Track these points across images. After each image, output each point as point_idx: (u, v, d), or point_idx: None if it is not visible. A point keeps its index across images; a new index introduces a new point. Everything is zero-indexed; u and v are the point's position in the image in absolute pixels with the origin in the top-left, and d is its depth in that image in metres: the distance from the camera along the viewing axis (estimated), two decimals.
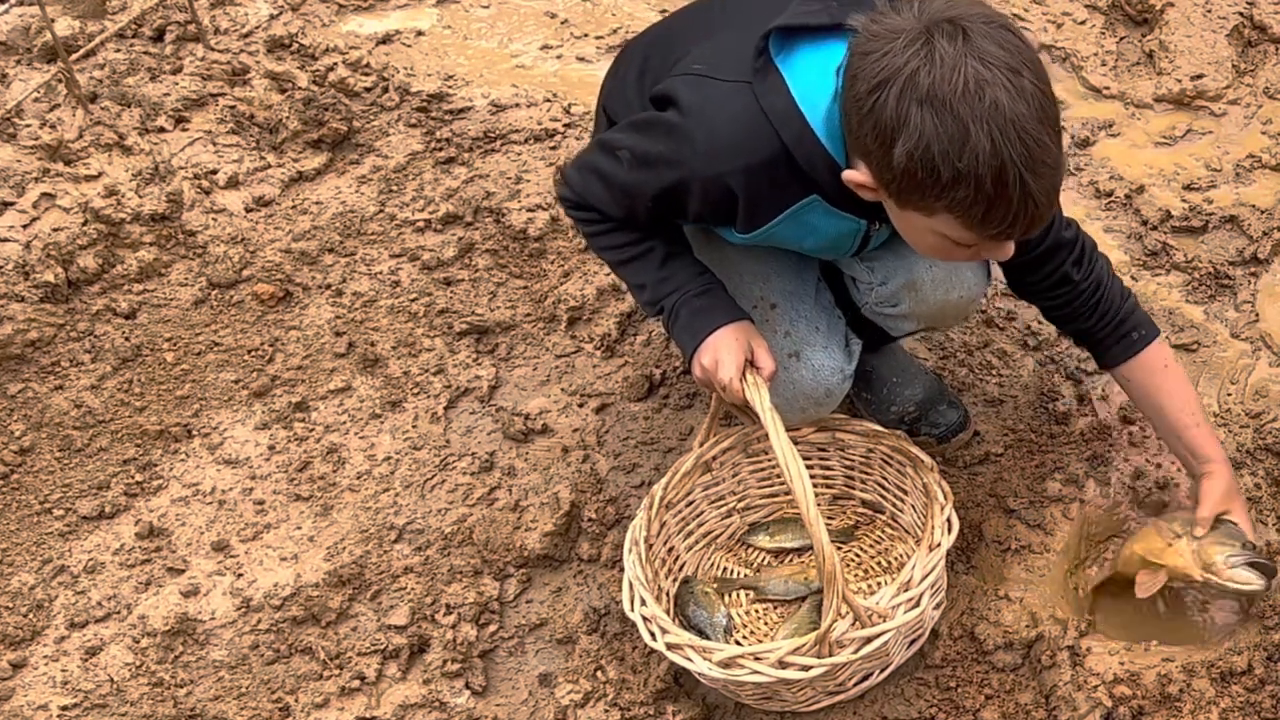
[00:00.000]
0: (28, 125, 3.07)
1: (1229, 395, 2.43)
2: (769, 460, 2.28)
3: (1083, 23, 3.18)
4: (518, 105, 3.14)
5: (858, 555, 2.28)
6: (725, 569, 2.30)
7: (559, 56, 3.31)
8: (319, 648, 2.26)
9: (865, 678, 2.07)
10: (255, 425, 2.59)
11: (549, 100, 3.14)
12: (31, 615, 2.34)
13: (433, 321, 2.73)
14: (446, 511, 2.43)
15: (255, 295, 2.80)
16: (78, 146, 3.03)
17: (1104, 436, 2.39)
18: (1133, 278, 2.64)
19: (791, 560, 2.29)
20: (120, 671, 2.26)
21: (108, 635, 2.31)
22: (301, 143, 3.07)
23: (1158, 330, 2.14)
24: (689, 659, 1.96)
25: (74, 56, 3.16)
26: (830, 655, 1.92)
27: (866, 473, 2.29)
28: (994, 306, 2.60)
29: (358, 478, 2.50)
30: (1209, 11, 3.11)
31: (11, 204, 2.90)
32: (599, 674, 2.17)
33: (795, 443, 1.92)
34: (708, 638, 2.10)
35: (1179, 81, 2.99)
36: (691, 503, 2.26)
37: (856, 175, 1.77)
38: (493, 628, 2.26)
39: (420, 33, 3.39)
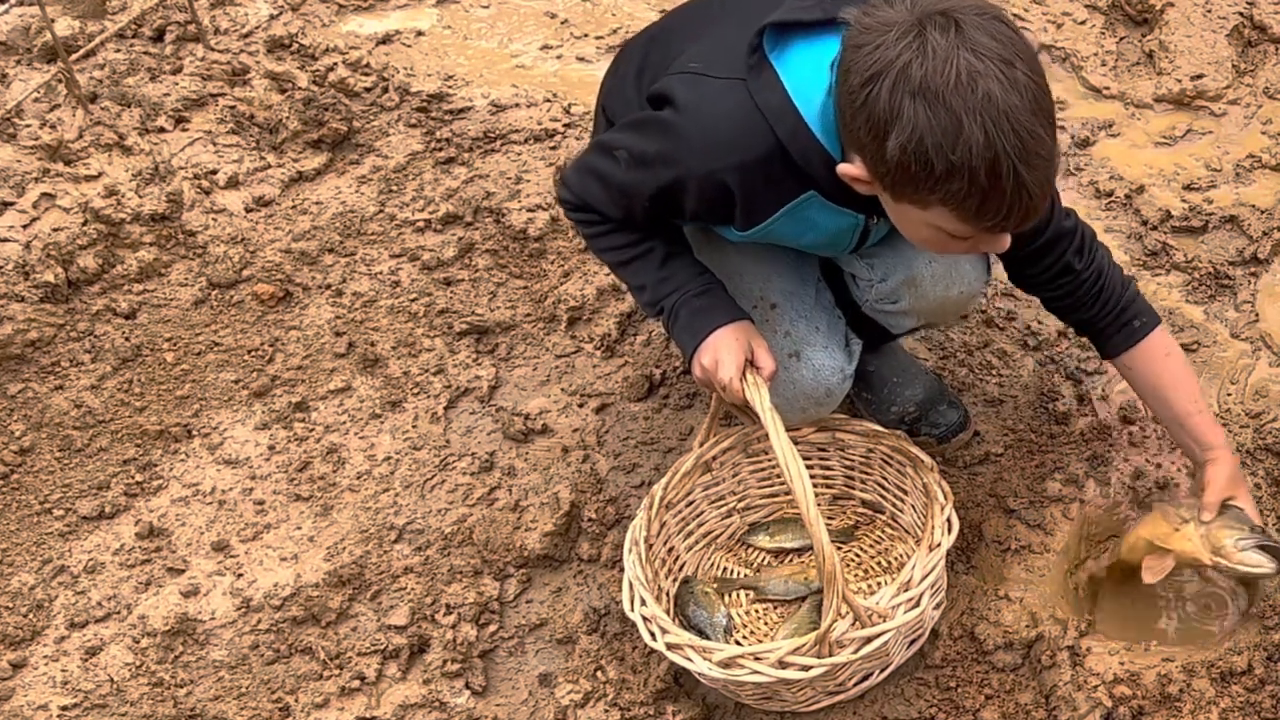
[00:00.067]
0: (28, 125, 3.07)
1: (1229, 395, 2.43)
2: (769, 460, 2.28)
3: (1083, 23, 3.18)
4: (518, 105, 3.14)
5: (858, 555, 2.28)
6: (725, 569, 2.30)
7: (559, 56, 3.31)
8: (319, 648, 2.26)
9: (865, 678, 2.07)
10: (255, 425, 2.59)
11: (549, 100, 3.14)
12: (31, 615, 2.34)
13: (433, 321, 2.73)
14: (446, 511, 2.43)
15: (255, 295, 2.80)
16: (78, 146, 3.03)
17: (1104, 436, 2.39)
18: (1133, 278, 2.64)
19: (791, 560, 2.29)
20: (120, 671, 2.26)
21: (108, 635, 2.31)
22: (301, 143, 3.07)
23: (1159, 318, 2.13)
24: (689, 659, 1.96)
25: (74, 56, 3.16)
26: (830, 655, 1.92)
27: (866, 473, 2.29)
28: (994, 306, 2.60)
29: (358, 478, 2.50)
30: (1209, 11, 3.11)
31: (11, 204, 2.90)
32: (599, 674, 2.17)
33: (795, 443, 1.92)
34: (708, 638, 2.10)
35: (1179, 81, 2.99)
36: (691, 503, 2.26)
37: (851, 169, 1.76)
38: (493, 628, 2.26)
39: (420, 33, 3.39)
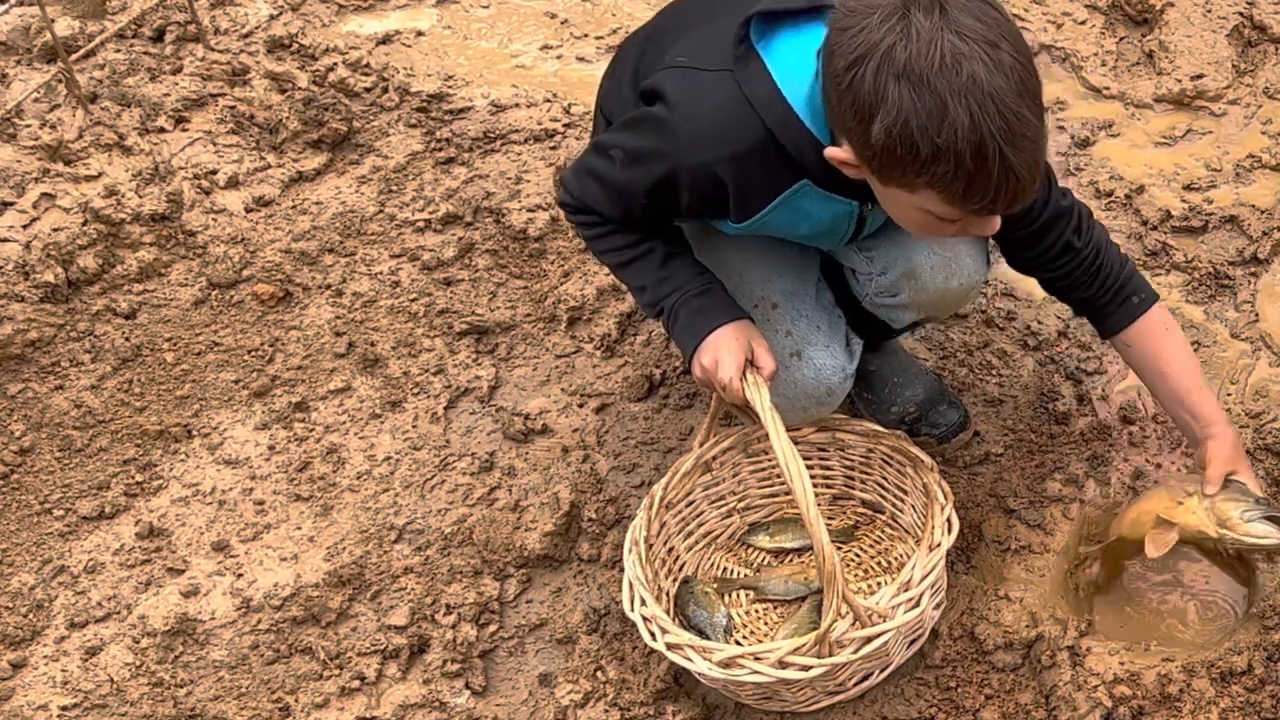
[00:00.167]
0: (28, 125, 3.07)
1: (1229, 395, 2.43)
2: (769, 460, 2.28)
3: (1083, 23, 3.18)
4: (518, 105, 3.14)
5: (858, 555, 2.28)
6: (725, 569, 2.30)
7: (559, 56, 3.31)
8: (319, 648, 2.26)
9: (865, 678, 2.07)
10: (255, 425, 2.59)
11: (549, 100, 3.14)
12: (31, 615, 2.34)
13: (433, 321, 2.73)
14: (446, 511, 2.43)
15: (255, 295, 2.80)
16: (78, 146, 3.03)
17: (1104, 436, 2.39)
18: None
19: (791, 560, 2.29)
20: (120, 671, 2.26)
21: (108, 635, 2.31)
22: (301, 143, 3.07)
23: (1157, 295, 2.12)
24: (689, 659, 1.96)
25: (74, 56, 3.16)
26: (830, 655, 1.92)
27: (866, 473, 2.29)
28: (994, 306, 2.60)
29: (358, 478, 2.50)
30: (1209, 11, 3.11)
31: (11, 204, 2.90)
32: (599, 674, 2.17)
33: (795, 443, 1.92)
34: (708, 638, 2.10)
35: (1179, 81, 2.99)
36: (691, 503, 2.26)
37: (839, 153, 1.76)
38: (493, 628, 2.26)
39: (420, 33, 3.39)
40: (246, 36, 3.33)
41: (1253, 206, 2.73)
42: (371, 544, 2.39)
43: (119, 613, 2.34)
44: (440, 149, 3.06)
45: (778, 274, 2.13)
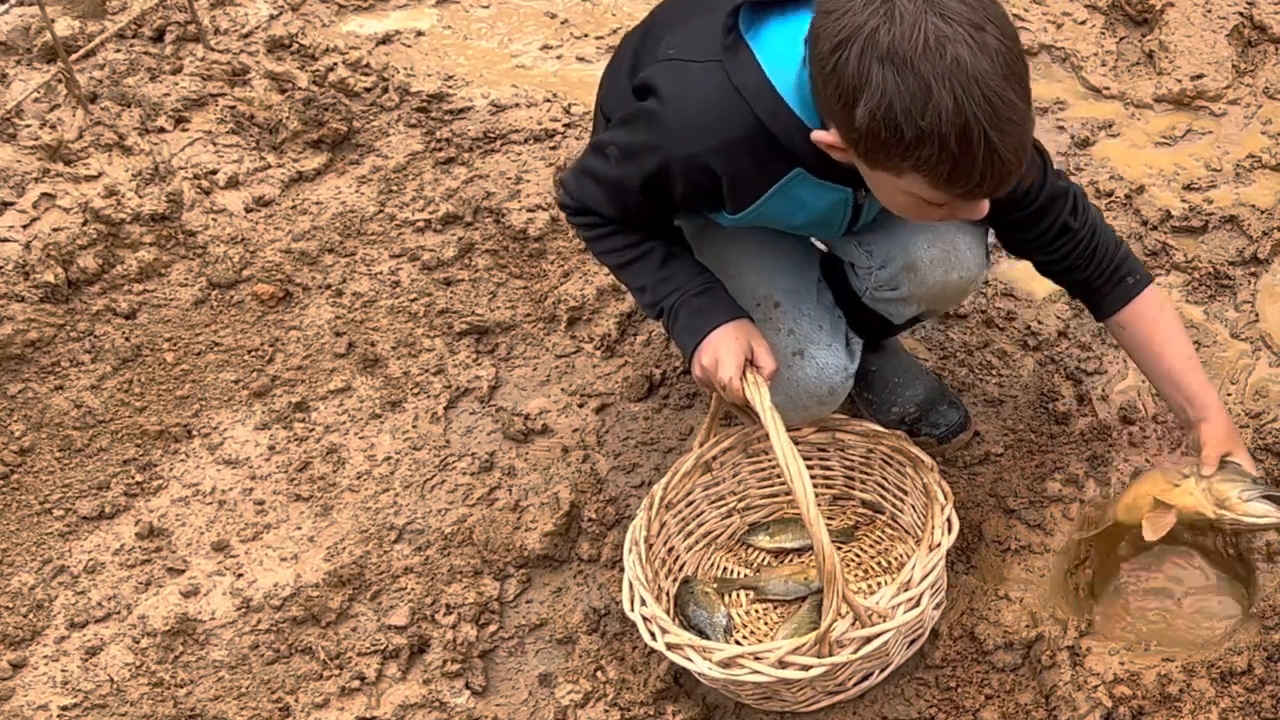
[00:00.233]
0: (28, 125, 3.07)
1: (1229, 395, 2.43)
2: (769, 460, 2.28)
3: (1083, 23, 3.18)
4: (518, 105, 3.14)
5: (858, 555, 2.28)
6: (725, 569, 2.30)
7: (559, 56, 3.31)
8: (319, 648, 2.26)
9: (865, 678, 2.07)
10: (255, 425, 2.59)
11: (549, 100, 3.14)
12: (31, 615, 2.34)
13: (433, 321, 2.73)
14: (446, 511, 2.43)
15: (255, 295, 2.80)
16: (78, 146, 3.03)
17: (1104, 436, 2.39)
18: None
19: (791, 560, 2.29)
20: (120, 671, 2.26)
21: (108, 635, 2.31)
22: (301, 143, 3.07)
23: (1150, 277, 2.12)
24: (689, 659, 1.96)
25: (74, 56, 3.16)
26: (830, 655, 1.92)
27: (866, 473, 2.29)
28: (994, 306, 2.60)
29: (358, 478, 2.50)
30: (1209, 11, 3.11)
31: (11, 204, 2.90)
32: (599, 674, 2.17)
33: (795, 443, 1.92)
34: (708, 638, 2.10)
35: (1179, 81, 2.99)
36: (691, 503, 2.26)
37: (826, 136, 1.76)
38: (493, 628, 2.26)
39: (420, 33, 3.39)
40: (246, 36, 3.33)
41: (1253, 206, 2.73)
42: (371, 544, 2.39)
43: (119, 613, 2.34)
44: (440, 149, 3.06)
45: (780, 273, 2.13)
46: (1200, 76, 2.99)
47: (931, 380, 2.42)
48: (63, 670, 2.27)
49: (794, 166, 1.87)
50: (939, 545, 2.01)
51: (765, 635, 2.19)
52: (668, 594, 2.22)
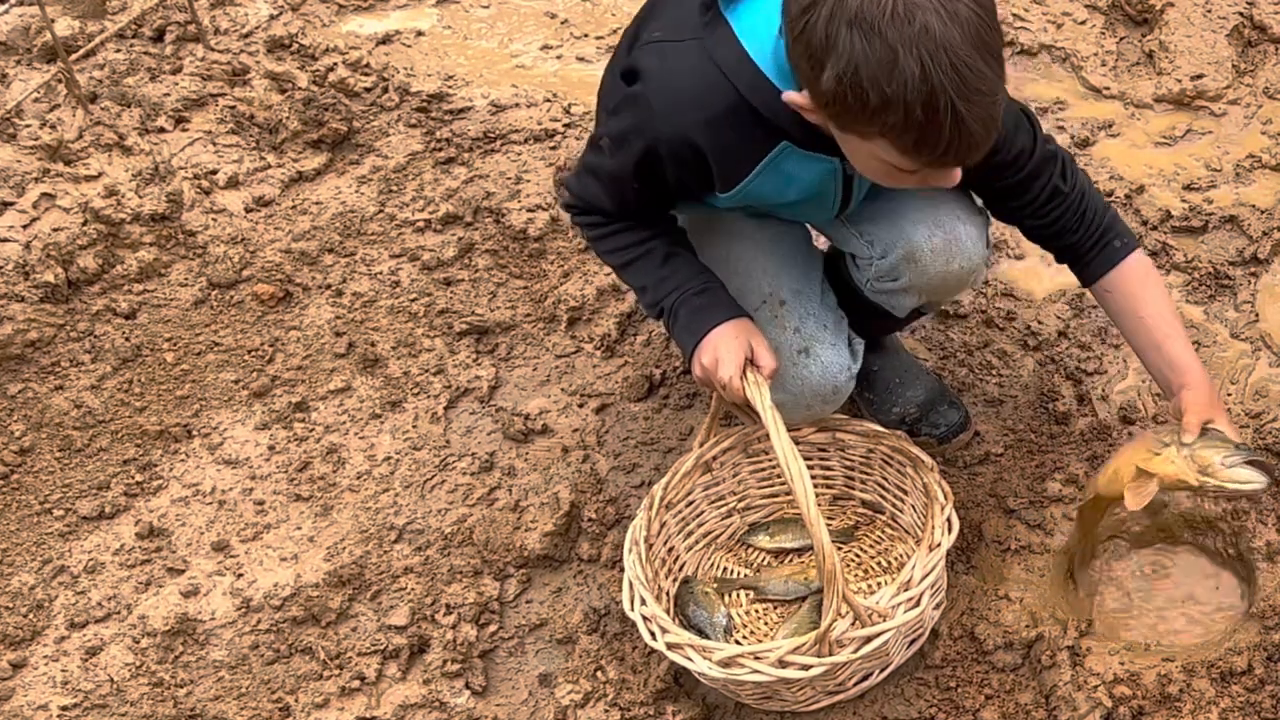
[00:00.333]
0: (28, 125, 3.07)
1: (1229, 395, 2.43)
2: (769, 460, 2.28)
3: (1083, 23, 3.18)
4: (518, 105, 3.14)
5: (858, 555, 2.28)
6: (725, 569, 2.30)
7: (559, 56, 3.31)
8: (319, 648, 2.26)
9: (865, 677, 2.07)
10: (255, 425, 2.59)
11: (549, 100, 3.14)
12: (31, 615, 2.34)
13: (433, 321, 2.73)
14: (446, 511, 2.43)
15: (255, 295, 2.80)
16: (78, 146, 3.03)
17: (1104, 436, 2.39)
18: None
19: (791, 560, 2.29)
20: (120, 671, 2.26)
21: (108, 635, 2.31)
22: (301, 143, 3.08)
23: (1138, 242, 2.11)
24: (689, 658, 1.96)
25: (74, 56, 3.16)
26: (830, 655, 1.92)
27: (866, 473, 2.29)
28: (994, 306, 2.60)
29: (358, 478, 2.50)
30: (1209, 11, 3.11)
31: (11, 204, 2.90)
32: (599, 674, 2.17)
33: (795, 442, 1.92)
34: (708, 638, 2.10)
35: (1179, 81, 2.99)
36: (691, 503, 2.26)
37: (797, 97, 1.75)
38: (493, 628, 2.26)
39: (420, 33, 3.39)
40: (246, 36, 3.33)
41: (1253, 206, 2.73)
42: (371, 544, 2.39)
43: (119, 613, 2.34)
44: (440, 149, 3.06)
45: (785, 272, 2.13)
46: (1200, 76, 2.99)
47: (932, 381, 2.42)
48: (63, 670, 2.27)
49: (780, 140, 1.88)
50: (939, 545, 2.01)
51: (765, 635, 2.19)
52: (668, 594, 2.22)
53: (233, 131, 3.12)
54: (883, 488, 2.29)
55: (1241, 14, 3.10)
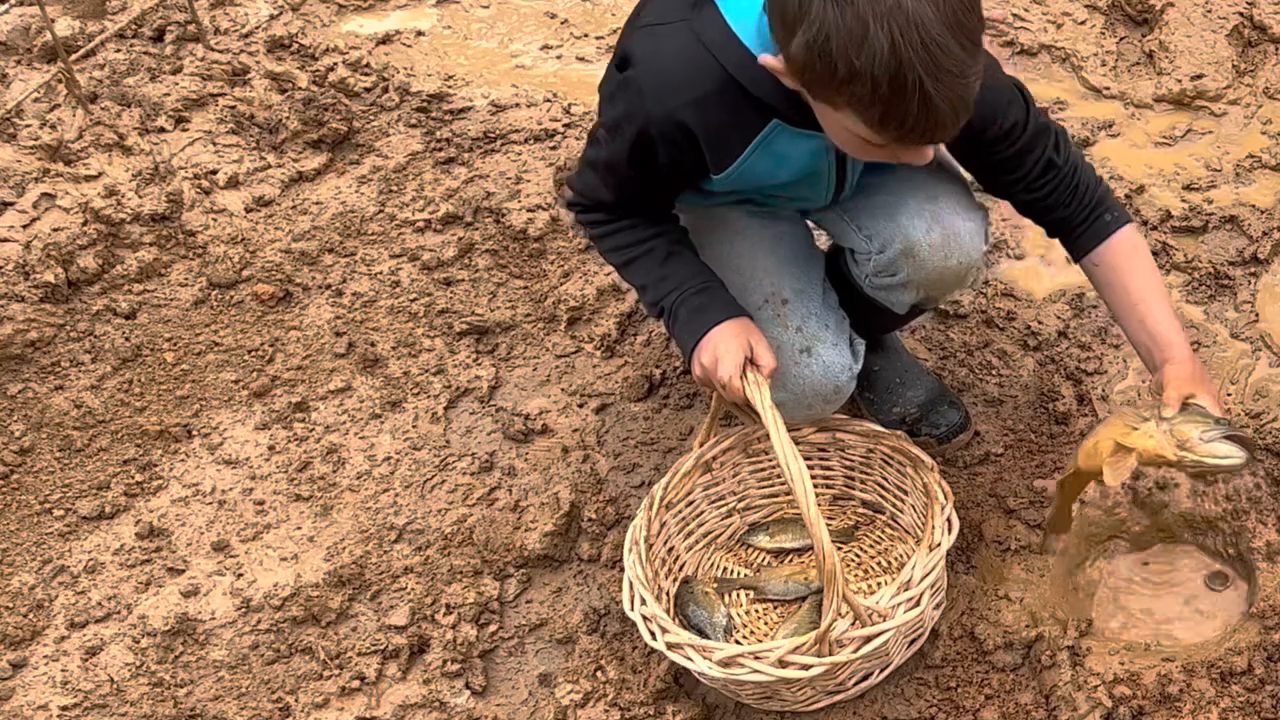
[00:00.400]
0: (28, 125, 3.07)
1: (1229, 395, 2.43)
2: (769, 460, 2.28)
3: (1083, 23, 3.18)
4: (518, 105, 3.14)
5: (858, 555, 2.28)
6: (725, 569, 2.30)
7: (559, 56, 3.31)
8: (319, 648, 2.26)
9: (865, 677, 2.07)
10: (255, 425, 2.59)
11: (549, 100, 3.14)
12: (31, 615, 2.34)
13: (433, 321, 2.73)
14: (446, 511, 2.43)
15: (255, 295, 2.80)
16: (78, 146, 3.03)
17: None
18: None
19: (791, 560, 2.29)
20: (120, 671, 2.26)
21: (108, 635, 2.31)
22: (301, 143, 3.08)
23: (1129, 217, 2.10)
24: (689, 658, 1.96)
25: (74, 56, 3.16)
26: (830, 654, 1.92)
27: (866, 473, 2.29)
28: (994, 306, 2.60)
29: (358, 478, 2.50)
30: (1209, 11, 3.11)
31: (11, 204, 2.90)
32: (599, 674, 2.17)
33: (795, 442, 1.92)
34: (708, 638, 2.10)
35: (1179, 81, 2.99)
36: (691, 503, 2.26)
37: (771, 59, 1.75)
38: (493, 628, 2.26)
39: (420, 33, 3.39)
40: (246, 36, 3.33)
41: (1253, 206, 2.73)
42: (371, 544, 2.39)
43: (119, 613, 2.34)
44: (440, 149, 3.06)
45: (787, 271, 2.13)
46: (1200, 76, 2.99)
47: (932, 381, 2.42)
48: (63, 670, 2.27)
49: (770, 119, 1.88)
50: (939, 545, 2.01)
51: (765, 635, 2.19)
52: (668, 594, 2.22)
53: (233, 131, 3.12)
54: (883, 488, 2.29)
55: (1241, 14, 3.10)
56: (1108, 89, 3.03)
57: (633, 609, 2.04)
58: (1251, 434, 2.03)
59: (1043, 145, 2.01)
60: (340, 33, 3.37)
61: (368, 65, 3.23)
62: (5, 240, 2.83)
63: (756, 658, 1.92)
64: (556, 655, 2.23)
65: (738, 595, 2.25)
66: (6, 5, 3.30)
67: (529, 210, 2.87)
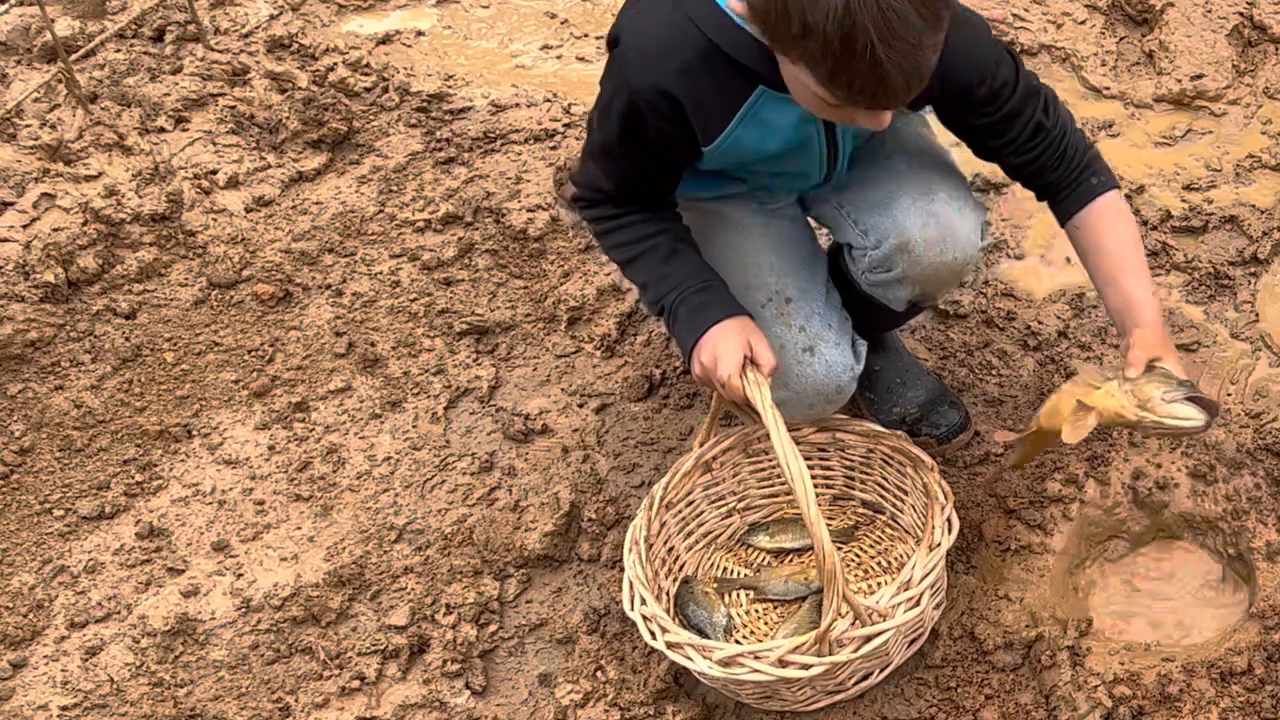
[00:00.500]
0: (28, 125, 3.07)
1: (1229, 395, 2.43)
2: (769, 460, 2.28)
3: (1083, 23, 3.18)
4: (518, 105, 3.14)
5: (858, 555, 2.28)
6: (725, 569, 2.30)
7: (559, 56, 3.31)
8: (319, 648, 2.26)
9: (865, 677, 2.07)
10: (255, 425, 2.59)
11: (549, 100, 3.14)
12: (31, 615, 2.34)
13: (433, 321, 2.73)
14: (446, 511, 2.43)
15: (255, 295, 2.80)
16: (78, 146, 3.03)
17: (1104, 436, 2.39)
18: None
19: (791, 560, 2.29)
20: (120, 671, 2.26)
21: (108, 635, 2.31)
22: (301, 143, 3.08)
23: (1117, 184, 2.08)
24: (689, 658, 1.96)
25: (74, 56, 3.16)
26: (830, 654, 1.92)
27: (866, 473, 2.29)
28: (994, 306, 2.60)
29: (358, 478, 2.50)
30: (1209, 11, 3.11)
31: (11, 204, 2.90)
32: (599, 674, 2.17)
33: (795, 442, 1.91)
34: (708, 637, 2.10)
35: (1179, 81, 2.99)
36: (691, 503, 2.26)
37: (735, 3, 1.77)
38: (493, 628, 2.26)
39: (420, 33, 3.39)
40: (246, 36, 3.33)
41: (1253, 206, 2.73)
42: (371, 544, 2.39)
43: (119, 613, 2.34)
44: (440, 149, 3.06)
45: (791, 270, 2.13)
46: (1200, 76, 2.99)
47: (932, 381, 2.42)
48: (63, 670, 2.27)
49: (756, 86, 1.88)
50: (939, 545, 2.01)
51: (765, 635, 2.19)
52: (668, 594, 2.22)
53: (233, 131, 3.12)
54: (883, 488, 2.29)
55: (1241, 14, 3.10)
56: (1108, 89, 3.03)
57: (633, 609, 2.04)
58: (1216, 398, 1.99)
59: (1032, 107, 2.01)
60: (340, 33, 3.37)
61: (368, 65, 3.23)
62: (5, 240, 2.83)
63: (756, 657, 1.92)
64: (556, 655, 2.23)
65: (738, 595, 2.25)
66: (6, 5, 3.30)
67: (529, 210, 2.87)
